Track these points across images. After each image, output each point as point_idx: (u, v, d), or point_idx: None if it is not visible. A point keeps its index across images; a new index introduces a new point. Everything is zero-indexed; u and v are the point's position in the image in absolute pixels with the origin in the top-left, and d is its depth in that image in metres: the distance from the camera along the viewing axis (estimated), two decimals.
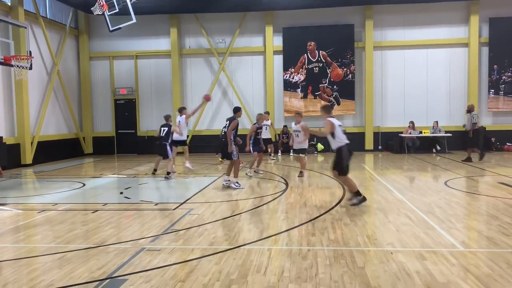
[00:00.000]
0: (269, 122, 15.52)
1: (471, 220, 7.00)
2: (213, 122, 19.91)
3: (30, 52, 13.84)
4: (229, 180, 10.23)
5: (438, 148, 18.06)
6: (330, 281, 4.35)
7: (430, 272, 4.55)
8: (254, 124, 12.34)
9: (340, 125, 8.13)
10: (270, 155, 16.31)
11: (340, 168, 7.98)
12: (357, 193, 7.97)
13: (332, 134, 7.93)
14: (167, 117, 12.55)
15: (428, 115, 18.80)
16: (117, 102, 20.43)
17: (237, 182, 10.14)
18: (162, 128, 12.24)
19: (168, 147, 12.09)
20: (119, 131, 20.52)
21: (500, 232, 6.03)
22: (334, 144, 8.03)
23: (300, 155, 11.94)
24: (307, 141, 12.06)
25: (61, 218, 7.52)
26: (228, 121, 10.21)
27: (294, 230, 6.35)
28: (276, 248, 5.56)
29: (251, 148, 12.05)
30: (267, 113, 16.18)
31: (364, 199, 7.93)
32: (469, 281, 4.30)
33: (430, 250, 5.30)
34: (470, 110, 14.67)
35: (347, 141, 8.05)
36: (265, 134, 14.81)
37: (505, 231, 6.07)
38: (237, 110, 10.63)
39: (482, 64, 18.68)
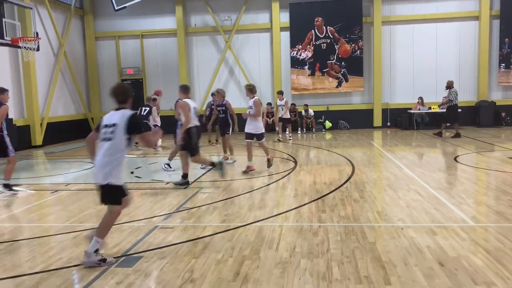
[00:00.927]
0: (283, 102, 15.77)
1: (481, 195, 7.00)
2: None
3: (36, 33, 13.81)
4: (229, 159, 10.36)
5: (448, 123, 17.89)
6: (342, 256, 4.41)
7: (441, 246, 4.59)
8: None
9: (195, 107, 8.23)
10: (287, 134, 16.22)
11: (191, 149, 8.03)
12: (212, 164, 8.19)
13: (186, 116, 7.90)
14: (150, 99, 13.75)
15: (438, 90, 18.55)
16: (124, 82, 20.42)
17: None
18: (144, 108, 13.44)
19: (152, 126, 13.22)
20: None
21: (510, 207, 6.04)
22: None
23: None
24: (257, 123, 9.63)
25: (73, 198, 7.64)
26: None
27: (305, 207, 6.40)
28: (287, 225, 5.62)
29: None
30: (281, 92, 16.18)
31: (186, 182, 8.11)
32: (479, 255, 4.34)
33: (440, 225, 5.33)
34: (449, 86, 14.79)
35: (198, 123, 8.17)
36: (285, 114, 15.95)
37: None
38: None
39: (493, 38, 18.34)
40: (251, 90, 9.70)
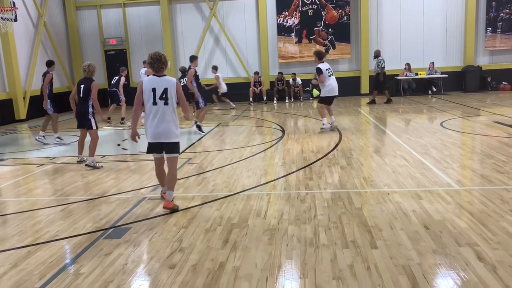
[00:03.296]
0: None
1: (466, 160, 7.10)
2: (206, 71, 19.56)
3: (13, 3, 13.33)
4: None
5: (434, 89, 17.98)
6: (329, 222, 4.47)
7: (426, 210, 4.67)
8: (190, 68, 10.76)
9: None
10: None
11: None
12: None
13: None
14: (122, 69, 14.04)
15: (424, 56, 18.54)
16: (108, 53, 19.99)
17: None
18: (114, 77, 14.05)
19: (119, 94, 13.80)
20: (111, 82, 20.19)
21: (494, 170, 6.14)
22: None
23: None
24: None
25: (60, 171, 7.57)
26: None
27: (292, 176, 6.43)
28: (275, 193, 5.66)
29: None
30: (215, 67, 16.97)
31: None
32: (463, 217, 4.42)
33: (426, 189, 5.41)
34: (376, 55, 15.44)
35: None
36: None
37: (499, 169, 6.18)
38: (193, 59, 10.65)
39: (480, 2, 18.20)
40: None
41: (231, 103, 16.83)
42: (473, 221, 4.30)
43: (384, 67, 15.25)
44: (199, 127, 10.74)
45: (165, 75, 5.11)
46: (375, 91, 15.70)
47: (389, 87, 18.22)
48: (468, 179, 5.91)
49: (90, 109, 7.60)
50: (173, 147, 5.07)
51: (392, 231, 4.16)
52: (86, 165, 7.53)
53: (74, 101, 7.99)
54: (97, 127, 7.72)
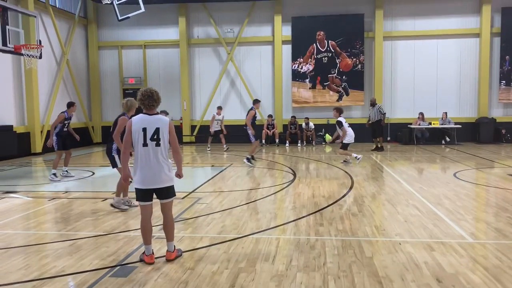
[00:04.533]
0: (220, 117, 16.67)
1: (480, 212, 6.97)
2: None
3: (39, 41, 13.88)
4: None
5: (448, 139, 17.92)
6: (338, 271, 4.37)
7: (439, 263, 4.55)
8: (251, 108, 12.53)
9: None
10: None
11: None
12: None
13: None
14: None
15: (438, 106, 18.63)
16: (126, 91, 20.47)
17: None
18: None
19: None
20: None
21: (509, 224, 6.00)
22: None
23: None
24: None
25: (71, 206, 7.60)
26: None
27: (302, 220, 6.36)
28: (284, 237, 5.58)
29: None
30: (220, 107, 17.11)
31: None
32: (478, 272, 4.29)
33: (438, 241, 5.29)
34: (373, 103, 15.80)
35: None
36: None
37: None
38: (255, 102, 12.61)
39: (494, 55, 18.44)
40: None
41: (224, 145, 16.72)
42: (487, 277, 4.17)
43: (385, 113, 15.91)
44: (248, 160, 12.23)
45: (157, 113, 4.73)
46: (380, 137, 15.81)
47: (402, 135, 18.28)
48: (482, 232, 5.78)
49: (115, 145, 7.13)
50: (167, 192, 4.70)
51: (403, 283, 4.05)
52: (111, 204, 7.15)
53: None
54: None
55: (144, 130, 4.56)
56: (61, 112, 10.50)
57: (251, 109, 12.36)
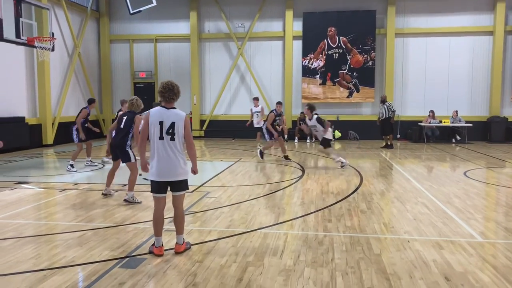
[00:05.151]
0: (259, 108, 14.69)
1: (490, 211, 6.91)
2: (230, 107, 19.94)
3: (52, 33, 13.97)
4: None
5: (458, 138, 17.77)
6: (346, 267, 4.37)
7: (447, 261, 4.53)
8: (272, 111, 12.59)
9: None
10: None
11: None
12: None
13: None
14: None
15: (449, 104, 18.46)
16: (137, 85, 20.58)
17: None
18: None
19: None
20: (138, 114, 20.68)
21: None
22: None
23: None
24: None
25: (81, 197, 7.68)
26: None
27: (310, 216, 6.37)
28: (292, 232, 5.59)
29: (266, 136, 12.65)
30: (256, 98, 15.37)
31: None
32: (486, 271, 4.27)
33: (447, 239, 5.27)
34: (384, 100, 15.65)
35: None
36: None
37: None
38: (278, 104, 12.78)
39: (507, 53, 18.21)
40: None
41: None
42: (496, 276, 4.15)
43: (395, 111, 15.74)
44: (261, 153, 12.53)
45: (174, 107, 4.75)
46: (390, 135, 15.71)
47: (411, 133, 18.16)
48: (492, 231, 5.74)
49: (129, 142, 7.31)
50: (181, 185, 4.74)
51: (411, 280, 4.04)
52: (125, 200, 7.18)
53: (111, 134, 8.01)
54: (135, 160, 7.27)
55: (160, 123, 4.60)
56: (84, 108, 10.99)
57: (272, 111, 12.51)
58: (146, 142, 4.84)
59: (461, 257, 4.66)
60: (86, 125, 10.99)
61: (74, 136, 10.82)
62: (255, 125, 14.58)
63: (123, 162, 7.47)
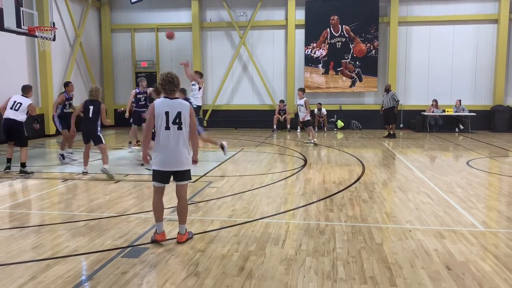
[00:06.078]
0: (302, 101, 13.50)
1: (493, 201, 6.90)
2: (232, 97, 19.88)
3: (53, 23, 13.94)
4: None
5: (461, 127, 17.70)
6: (348, 256, 4.38)
7: (449, 250, 4.54)
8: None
9: (15, 101, 9.04)
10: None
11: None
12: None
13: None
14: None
15: (452, 93, 18.36)
16: (139, 75, 20.48)
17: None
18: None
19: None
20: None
21: None
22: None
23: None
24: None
25: (84, 187, 7.71)
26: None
27: (312, 206, 6.38)
28: (294, 222, 5.60)
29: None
30: (302, 89, 13.98)
31: None
32: (488, 260, 4.28)
33: (449, 229, 5.27)
34: (388, 89, 15.63)
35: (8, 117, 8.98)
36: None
37: None
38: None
39: (511, 43, 18.02)
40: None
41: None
42: (498, 265, 4.15)
43: (399, 100, 15.68)
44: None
45: (177, 97, 4.80)
46: (393, 124, 15.64)
47: (414, 123, 18.11)
48: (494, 221, 5.73)
49: (99, 128, 8.71)
50: (185, 174, 4.76)
51: (413, 270, 4.05)
52: (104, 172, 8.33)
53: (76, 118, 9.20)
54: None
55: (166, 113, 4.62)
56: (61, 93, 10.63)
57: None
58: (151, 135, 4.87)
59: (463, 246, 4.66)
60: (66, 110, 10.51)
61: (57, 124, 10.51)
62: (301, 120, 13.85)
63: (95, 144, 8.67)
